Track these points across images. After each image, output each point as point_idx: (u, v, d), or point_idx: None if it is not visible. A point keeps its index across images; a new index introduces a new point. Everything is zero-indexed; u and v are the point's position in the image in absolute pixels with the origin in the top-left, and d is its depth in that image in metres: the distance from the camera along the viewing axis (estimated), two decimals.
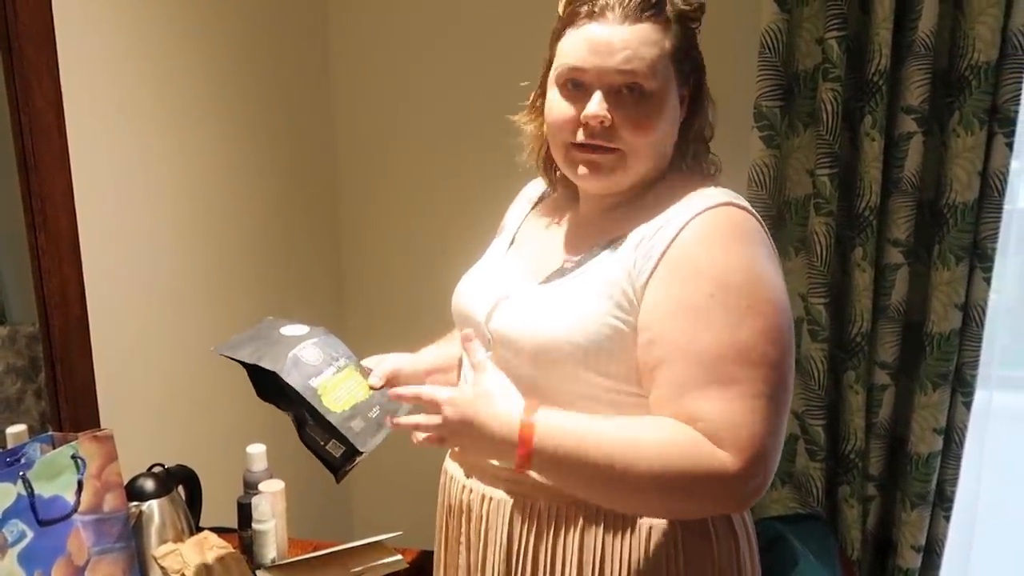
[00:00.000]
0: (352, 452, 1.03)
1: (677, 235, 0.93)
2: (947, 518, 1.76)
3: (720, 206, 0.94)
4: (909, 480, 1.73)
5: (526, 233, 1.13)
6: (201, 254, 1.73)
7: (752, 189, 1.69)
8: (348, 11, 2.08)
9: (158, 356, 1.63)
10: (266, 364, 1.05)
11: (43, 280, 1.37)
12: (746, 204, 0.97)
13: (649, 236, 0.94)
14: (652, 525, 0.97)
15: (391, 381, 1.12)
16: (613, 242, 0.98)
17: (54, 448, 1.25)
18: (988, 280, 1.63)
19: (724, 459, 0.87)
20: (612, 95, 0.94)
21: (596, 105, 0.94)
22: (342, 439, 1.02)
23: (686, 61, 0.98)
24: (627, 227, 0.97)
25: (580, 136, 0.96)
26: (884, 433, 1.76)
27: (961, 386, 1.70)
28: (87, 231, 1.42)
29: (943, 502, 1.75)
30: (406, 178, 2.15)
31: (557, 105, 0.98)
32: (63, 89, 1.35)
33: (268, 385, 1.07)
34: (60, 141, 1.36)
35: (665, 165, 1.02)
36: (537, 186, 1.18)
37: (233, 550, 1.37)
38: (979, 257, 1.63)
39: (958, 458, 1.74)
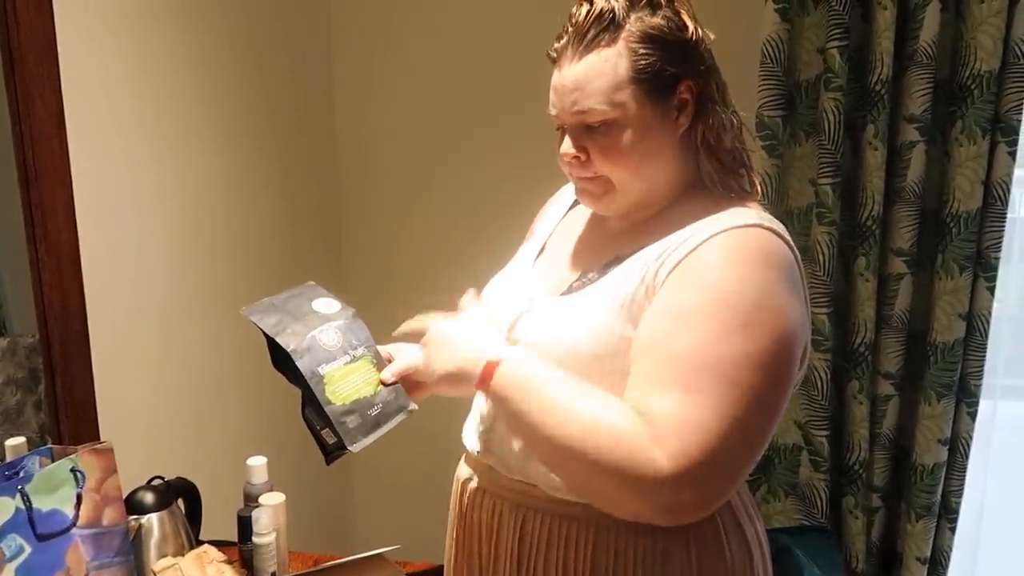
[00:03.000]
0: (343, 446, 1.04)
1: (697, 248, 0.91)
2: (952, 529, 1.75)
3: (749, 227, 0.91)
4: (913, 491, 1.72)
5: (556, 240, 1.13)
6: (202, 266, 1.72)
7: None
8: (350, 21, 2.08)
9: (158, 368, 1.62)
10: (282, 340, 1.06)
11: (43, 292, 1.37)
12: (781, 230, 0.94)
13: (672, 248, 0.93)
14: (666, 541, 0.95)
15: (404, 379, 1.11)
16: (635, 253, 0.97)
17: (53, 461, 1.24)
18: (991, 289, 1.63)
19: (657, 459, 0.83)
20: (583, 130, 0.97)
21: (564, 146, 0.98)
22: (336, 432, 1.03)
23: (657, 76, 0.94)
24: (651, 240, 0.97)
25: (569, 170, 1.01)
26: (888, 444, 1.75)
27: (965, 396, 1.69)
28: (88, 243, 1.41)
29: (948, 513, 1.74)
30: (408, 186, 2.14)
31: (559, 143, 1.01)
32: (64, 100, 1.35)
33: (282, 356, 1.07)
34: (61, 153, 1.36)
35: (681, 179, 1.00)
36: (571, 192, 1.17)
37: (233, 564, 1.36)
38: (982, 266, 1.62)
39: (963, 469, 1.73)
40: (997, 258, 1.61)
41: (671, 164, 0.99)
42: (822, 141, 1.63)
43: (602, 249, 1.03)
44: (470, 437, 1.11)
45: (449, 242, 2.10)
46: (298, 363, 1.05)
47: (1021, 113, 1.54)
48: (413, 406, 1.10)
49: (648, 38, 0.93)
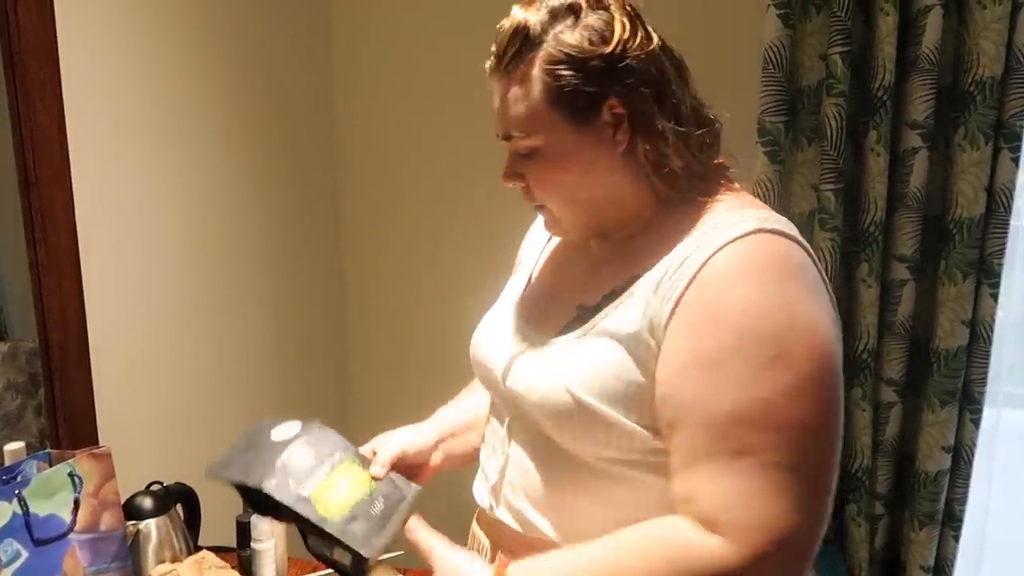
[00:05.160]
0: (362, 558, 0.93)
1: (698, 272, 0.81)
2: (956, 537, 1.74)
3: (750, 235, 0.81)
4: (917, 499, 1.71)
5: (544, 269, 1.04)
6: (202, 270, 1.72)
7: None
8: (350, 21, 2.08)
9: (157, 373, 1.62)
10: (252, 482, 0.94)
11: (43, 296, 1.37)
12: (786, 228, 0.84)
13: (670, 274, 0.83)
14: None
15: (397, 464, 1.03)
16: (631, 282, 0.87)
17: (51, 466, 1.24)
18: (995, 296, 1.62)
19: (719, 552, 0.75)
20: (518, 156, 0.90)
21: (504, 171, 0.92)
22: (346, 547, 0.93)
23: (575, 99, 0.85)
24: (645, 263, 0.86)
25: None
26: (891, 451, 1.74)
27: (969, 403, 1.68)
28: (87, 247, 1.41)
29: (952, 521, 1.73)
30: (408, 185, 2.14)
31: None
32: (65, 105, 1.35)
33: (262, 498, 0.95)
34: (62, 157, 1.36)
35: (650, 194, 0.89)
36: None
37: (232, 570, 1.35)
38: (985, 273, 1.61)
39: (967, 476, 1.71)
40: (1001, 264, 1.60)
41: (626, 184, 0.89)
42: (824, 147, 1.62)
43: (592, 279, 0.93)
44: (481, 493, 1.03)
45: (449, 240, 2.10)
46: (278, 497, 0.93)
47: None
48: (417, 488, 1.02)
49: (561, 60, 0.84)
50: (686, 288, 0.81)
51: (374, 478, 1.00)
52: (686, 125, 0.87)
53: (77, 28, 1.37)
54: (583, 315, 0.91)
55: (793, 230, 0.85)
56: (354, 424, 2.30)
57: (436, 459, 1.10)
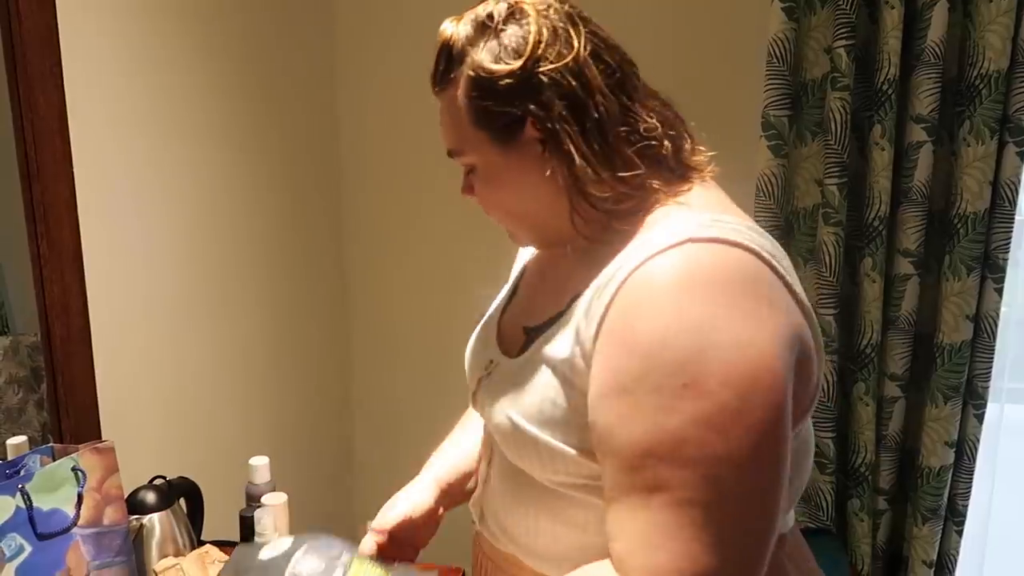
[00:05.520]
0: None
1: (616, 293, 0.75)
2: (959, 532, 1.74)
3: (675, 247, 0.74)
4: (920, 494, 1.71)
5: (526, 281, 1.01)
6: (204, 264, 1.72)
7: (760, 199, 1.68)
8: (354, 19, 2.08)
9: (160, 367, 1.61)
10: None
11: (45, 289, 1.36)
12: (730, 234, 0.74)
13: (599, 292, 0.77)
14: None
15: (405, 525, 1.02)
16: (570, 304, 0.82)
17: (54, 460, 1.23)
18: (999, 291, 1.62)
19: None
20: (466, 171, 0.89)
21: (462, 185, 0.90)
22: None
23: (494, 120, 0.81)
24: (582, 283, 0.81)
25: None
26: (894, 446, 1.74)
27: (972, 398, 1.68)
28: (90, 240, 1.41)
29: (955, 516, 1.73)
30: (411, 187, 2.14)
31: None
32: (67, 96, 1.34)
33: None
34: (63, 149, 1.35)
35: (595, 211, 0.82)
36: None
37: None
38: (990, 268, 1.61)
39: (970, 471, 1.71)
40: (1005, 259, 1.60)
41: (563, 199, 0.83)
42: (828, 141, 1.62)
43: (546, 294, 0.89)
44: (472, 505, 1.03)
45: (452, 236, 2.09)
46: None
47: None
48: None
49: (476, 82, 0.81)
50: (606, 310, 0.75)
51: (386, 569, 0.96)
52: (614, 139, 0.80)
53: (78, 16, 1.36)
54: (530, 337, 0.87)
55: (742, 233, 0.75)
56: (357, 416, 2.30)
57: (441, 511, 1.08)
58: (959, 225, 1.59)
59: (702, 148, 0.87)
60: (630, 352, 0.72)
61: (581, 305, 0.79)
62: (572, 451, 0.79)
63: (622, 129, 0.81)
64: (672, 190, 0.82)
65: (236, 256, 1.81)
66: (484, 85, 0.81)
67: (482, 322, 1.01)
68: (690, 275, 0.73)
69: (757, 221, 1.74)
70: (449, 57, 0.83)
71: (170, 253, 1.62)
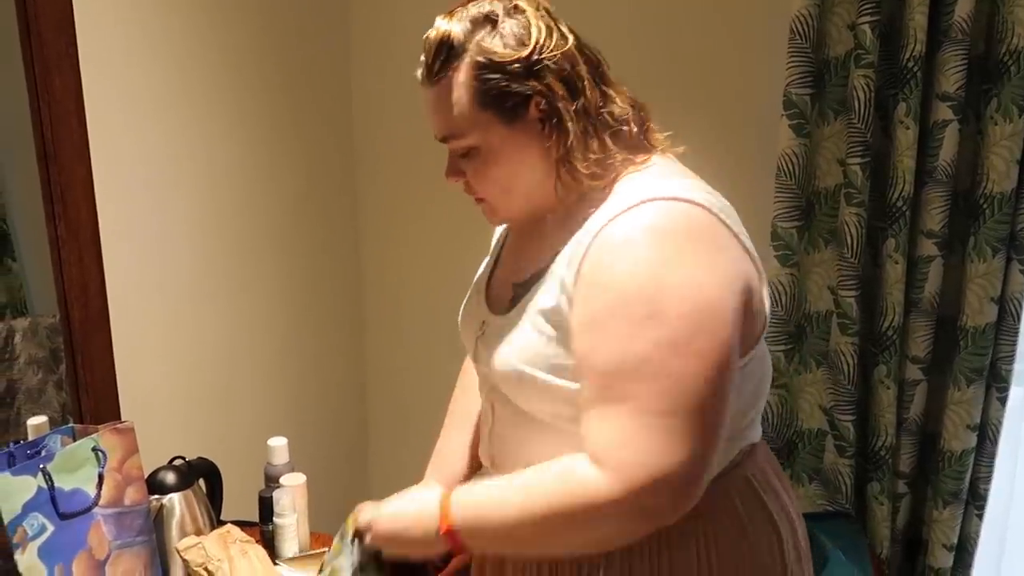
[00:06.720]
0: None
1: (591, 243, 0.89)
2: (980, 516, 1.72)
3: (638, 205, 0.88)
4: (941, 477, 1.69)
5: (508, 247, 1.13)
6: (222, 246, 1.72)
7: (781, 179, 1.65)
8: (370, 4, 2.06)
9: (179, 348, 1.62)
10: None
11: (63, 271, 1.37)
12: (682, 193, 0.89)
13: (579, 246, 0.91)
14: (683, 527, 0.93)
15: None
16: (552, 259, 0.95)
17: (75, 440, 1.24)
18: None
19: (597, 483, 0.85)
20: (456, 154, 0.98)
21: (446, 169, 1.00)
22: None
23: (503, 100, 0.92)
24: (563, 240, 0.94)
25: None
26: (915, 429, 1.72)
27: (996, 381, 1.65)
28: (107, 222, 1.41)
29: (976, 500, 1.71)
30: (426, 171, 2.11)
31: None
32: (83, 78, 1.34)
33: None
34: (80, 130, 1.35)
35: (576, 182, 0.95)
36: None
37: (256, 544, 1.36)
38: (1016, 249, 1.58)
39: (992, 455, 1.69)
40: None
41: (553, 172, 0.96)
42: (852, 119, 1.59)
43: (525, 259, 1.02)
44: (482, 454, 1.12)
45: (466, 223, 2.07)
46: None
47: None
48: None
49: (486, 66, 0.92)
50: (583, 259, 0.90)
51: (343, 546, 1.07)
52: (596, 120, 0.94)
53: None
54: (517, 294, 1.00)
55: (695, 193, 0.90)
56: (373, 398, 2.31)
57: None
58: (984, 205, 1.56)
59: (658, 129, 1.02)
60: (604, 290, 0.88)
61: (562, 258, 0.93)
62: (568, 384, 0.92)
63: (603, 111, 0.95)
64: (637, 161, 0.97)
65: (253, 238, 1.81)
66: (495, 69, 0.92)
67: (470, 290, 1.14)
68: (652, 227, 0.88)
69: (777, 201, 1.72)
70: (450, 49, 0.92)
71: (187, 235, 1.62)
